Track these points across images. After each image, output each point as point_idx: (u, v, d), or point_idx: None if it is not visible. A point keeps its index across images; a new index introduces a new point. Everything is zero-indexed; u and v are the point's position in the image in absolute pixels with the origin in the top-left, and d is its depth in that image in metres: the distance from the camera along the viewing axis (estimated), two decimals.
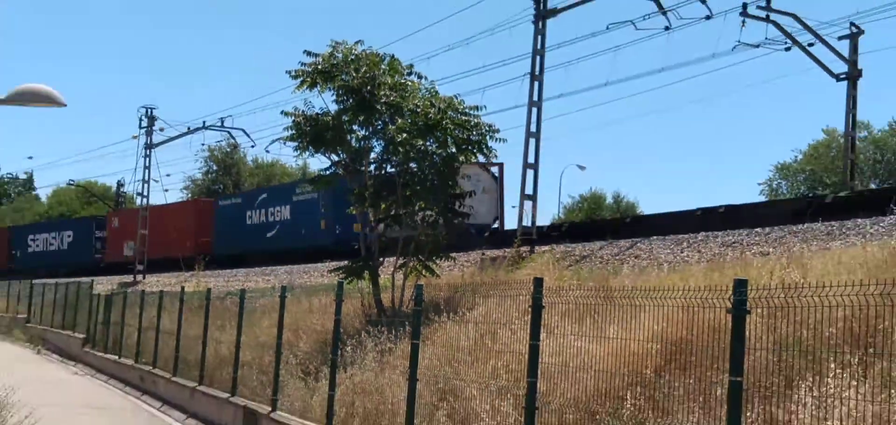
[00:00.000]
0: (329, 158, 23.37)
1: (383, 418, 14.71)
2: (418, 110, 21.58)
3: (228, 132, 55.28)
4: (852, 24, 34.18)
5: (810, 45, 33.73)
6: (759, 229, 21.82)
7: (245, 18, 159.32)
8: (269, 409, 18.14)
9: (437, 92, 22.65)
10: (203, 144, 67.33)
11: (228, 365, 21.19)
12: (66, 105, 14.85)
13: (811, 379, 8.81)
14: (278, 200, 49.79)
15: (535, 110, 30.34)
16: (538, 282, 11.17)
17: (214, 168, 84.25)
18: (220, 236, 52.25)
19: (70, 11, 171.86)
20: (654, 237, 24.96)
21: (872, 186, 53.79)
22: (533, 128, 30.35)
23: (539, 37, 30.59)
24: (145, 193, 54.67)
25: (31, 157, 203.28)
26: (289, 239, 46.26)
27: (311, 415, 16.67)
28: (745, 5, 32.38)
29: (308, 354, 18.90)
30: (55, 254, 70.56)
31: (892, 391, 8.23)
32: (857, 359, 8.76)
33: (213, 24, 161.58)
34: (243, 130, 54.44)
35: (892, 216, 16.25)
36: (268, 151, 79.29)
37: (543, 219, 39.86)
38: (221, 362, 22.03)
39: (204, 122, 53.93)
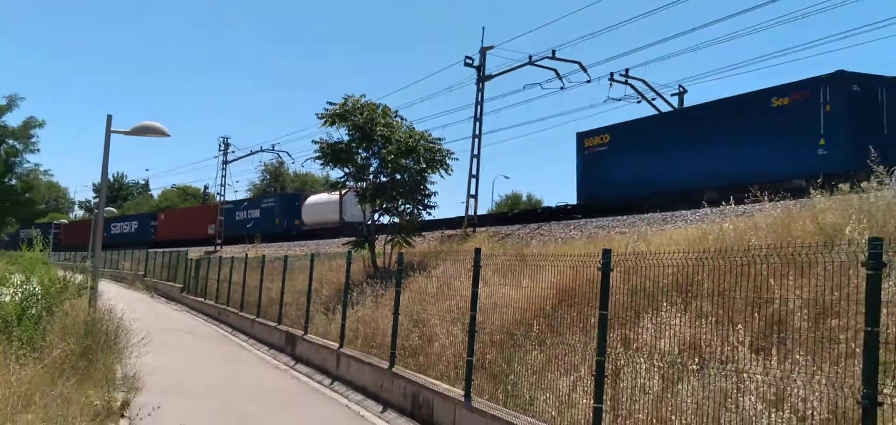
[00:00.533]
0: (343, 171, 23.44)
1: (377, 338, 14.70)
2: (401, 140, 21.73)
3: (277, 153, 55.92)
4: (680, 85, 34.49)
5: (653, 99, 33.83)
6: (619, 216, 21.94)
7: (290, 78, 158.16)
8: (303, 333, 18.05)
9: (414, 128, 22.86)
10: (261, 161, 67.51)
11: (276, 304, 21.06)
12: (169, 135, 14.69)
13: (651, 312, 8.89)
14: (253, 206, 54.72)
15: (476, 140, 30.38)
16: (477, 251, 11.18)
17: (268, 177, 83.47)
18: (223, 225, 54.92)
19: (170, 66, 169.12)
20: (553, 221, 25.05)
21: None
22: (475, 152, 30.44)
23: (479, 93, 30.62)
24: (223, 194, 54.47)
25: (147, 169, 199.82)
26: (258, 228, 49.85)
27: (329, 336, 16.62)
28: (612, 73, 32.54)
29: (328, 297, 18.84)
30: (127, 234, 73.34)
31: (703, 320, 8.33)
32: (680, 300, 8.84)
33: (270, 80, 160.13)
34: (287, 152, 55.38)
35: (703, 209, 16.35)
36: (303, 166, 79.14)
37: (481, 211, 39.84)
38: (271, 302, 21.89)
39: (261, 147, 54.63)
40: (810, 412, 6.33)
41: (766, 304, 7.81)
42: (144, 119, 14.77)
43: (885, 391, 5.50)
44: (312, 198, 46.62)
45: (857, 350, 6.00)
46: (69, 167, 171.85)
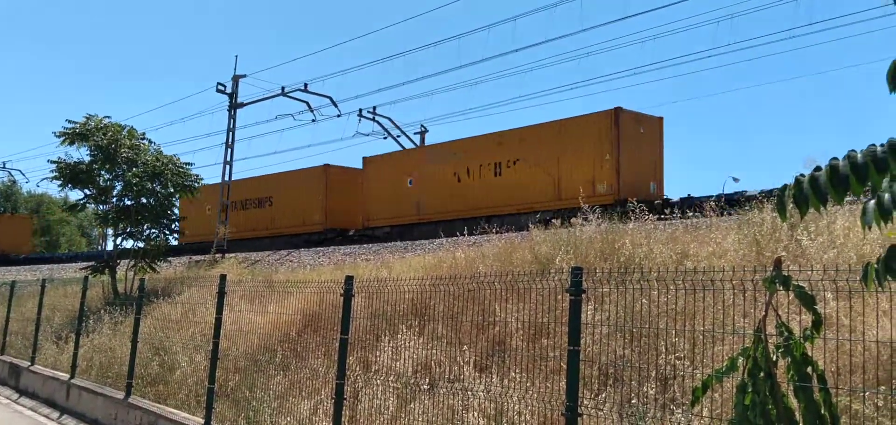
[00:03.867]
0: (83, 192, 21.35)
1: (114, 367, 13.42)
2: (148, 163, 20.31)
3: (9, 172, 50.58)
4: (422, 125, 35.94)
5: (398, 136, 34.95)
6: (365, 245, 22.15)
7: (26, 87, 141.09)
8: (29, 364, 16.03)
9: (161, 151, 21.45)
10: None
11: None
12: None
13: (390, 335, 8.95)
14: None
15: (228, 167, 29.39)
16: (223, 277, 10.64)
17: None
18: None
19: None
20: (303, 248, 24.73)
21: None
22: (227, 178, 29.38)
23: (231, 120, 29.66)
24: None
25: None
26: None
27: (61, 367, 14.91)
28: (361, 110, 33.22)
29: (61, 325, 16.96)
30: None
31: (436, 342, 8.52)
32: (417, 323, 8.99)
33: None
34: (20, 170, 50.18)
35: (440, 240, 17.01)
36: (38, 186, 71.35)
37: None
38: None
39: None
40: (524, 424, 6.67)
41: (490, 326, 8.17)
42: None
43: (585, 403, 5.92)
44: None
45: (564, 366, 6.43)
46: None
